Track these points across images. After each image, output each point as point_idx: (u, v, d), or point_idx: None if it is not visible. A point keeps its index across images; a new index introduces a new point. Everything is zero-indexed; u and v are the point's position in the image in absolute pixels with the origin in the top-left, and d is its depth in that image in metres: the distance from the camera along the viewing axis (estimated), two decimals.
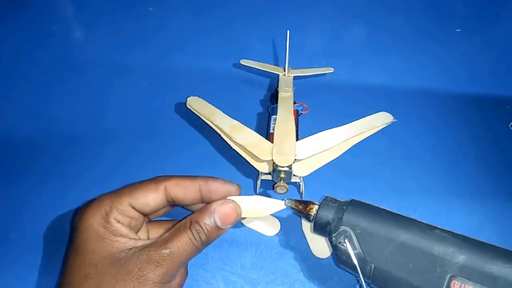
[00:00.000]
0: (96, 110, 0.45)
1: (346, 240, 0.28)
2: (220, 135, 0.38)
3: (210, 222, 0.27)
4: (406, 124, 0.43)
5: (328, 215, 0.30)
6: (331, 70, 0.48)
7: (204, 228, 0.27)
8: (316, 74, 0.48)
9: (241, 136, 0.37)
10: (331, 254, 0.34)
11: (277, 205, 0.31)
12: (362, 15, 0.59)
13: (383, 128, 0.40)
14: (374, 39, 0.56)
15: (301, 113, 0.43)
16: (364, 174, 0.40)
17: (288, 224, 0.36)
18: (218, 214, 0.27)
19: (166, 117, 0.44)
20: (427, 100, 0.47)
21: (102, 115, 0.44)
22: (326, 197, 0.31)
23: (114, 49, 0.52)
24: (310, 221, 0.31)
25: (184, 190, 0.28)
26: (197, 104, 0.41)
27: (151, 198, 0.27)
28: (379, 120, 0.40)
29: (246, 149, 0.36)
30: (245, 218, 0.32)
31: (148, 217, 0.30)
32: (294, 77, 0.46)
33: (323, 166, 0.37)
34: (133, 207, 0.27)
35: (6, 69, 0.49)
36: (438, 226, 0.28)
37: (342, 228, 0.29)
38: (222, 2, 0.60)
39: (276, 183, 0.34)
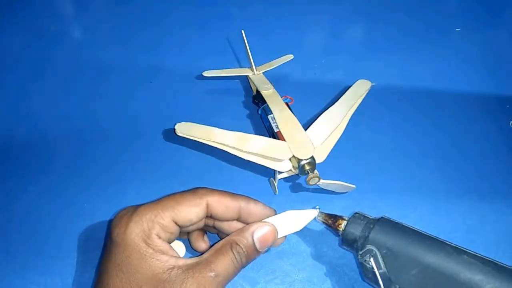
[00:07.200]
0: (94, 111, 0.45)
1: (371, 259, 0.28)
2: (225, 150, 0.37)
3: (250, 244, 0.27)
4: (405, 123, 0.44)
5: (355, 232, 0.30)
6: (291, 57, 0.50)
7: (244, 250, 0.27)
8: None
9: (251, 145, 0.36)
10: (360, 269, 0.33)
11: (310, 214, 0.31)
12: (362, 15, 0.61)
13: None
14: (374, 39, 0.57)
15: (289, 104, 0.43)
16: (364, 173, 0.40)
17: None
18: (257, 237, 0.28)
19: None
20: (427, 99, 0.47)
21: (100, 115, 0.44)
22: (355, 213, 0.31)
23: (112, 49, 0.52)
24: (338, 236, 0.31)
25: (226, 208, 0.28)
26: (189, 129, 0.39)
27: (193, 213, 0.27)
28: (360, 88, 0.42)
29: (262, 155, 0.36)
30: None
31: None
32: (264, 73, 0.46)
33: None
34: (175, 222, 0.27)
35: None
36: (468, 251, 0.27)
37: (368, 246, 0.29)
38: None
39: (307, 176, 0.35)
